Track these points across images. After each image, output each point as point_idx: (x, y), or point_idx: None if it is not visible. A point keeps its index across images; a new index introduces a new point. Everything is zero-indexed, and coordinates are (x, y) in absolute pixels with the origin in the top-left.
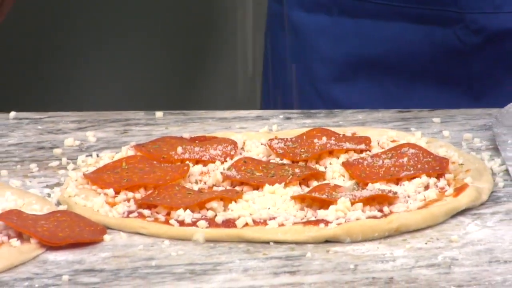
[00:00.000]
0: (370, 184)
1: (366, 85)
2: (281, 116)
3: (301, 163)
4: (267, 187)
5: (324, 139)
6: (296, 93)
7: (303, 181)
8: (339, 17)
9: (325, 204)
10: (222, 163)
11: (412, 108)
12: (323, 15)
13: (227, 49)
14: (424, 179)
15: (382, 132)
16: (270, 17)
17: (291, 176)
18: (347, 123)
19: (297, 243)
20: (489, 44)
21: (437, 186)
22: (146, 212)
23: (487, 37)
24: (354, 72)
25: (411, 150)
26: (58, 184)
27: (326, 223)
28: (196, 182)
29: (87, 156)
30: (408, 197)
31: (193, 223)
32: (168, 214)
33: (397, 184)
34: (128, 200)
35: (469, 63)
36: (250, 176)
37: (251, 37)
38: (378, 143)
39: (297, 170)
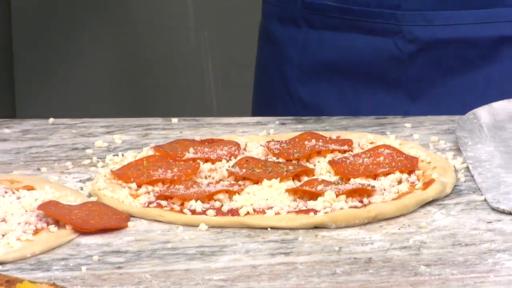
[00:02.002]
0: (352, 179)
1: (327, 87)
2: (277, 122)
3: (294, 162)
4: (265, 181)
5: (313, 141)
6: (273, 95)
7: (296, 177)
8: (306, 28)
9: (314, 196)
10: (228, 161)
11: (363, 106)
12: (294, 27)
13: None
14: (397, 175)
15: (362, 135)
16: (260, 31)
17: (285, 173)
18: (332, 128)
19: (290, 229)
20: (423, 52)
21: (408, 181)
22: (163, 202)
23: (421, 46)
24: (317, 76)
25: (387, 151)
26: (90, 179)
27: (315, 212)
28: (206, 178)
29: (114, 155)
30: (384, 190)
31: (203, 212)
32: (182, 204)
33: (374, 179)
34: (148, 192)
35: (406, 68)
36: (251, 172)
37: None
38: (359, 144)
39: (290, 167)
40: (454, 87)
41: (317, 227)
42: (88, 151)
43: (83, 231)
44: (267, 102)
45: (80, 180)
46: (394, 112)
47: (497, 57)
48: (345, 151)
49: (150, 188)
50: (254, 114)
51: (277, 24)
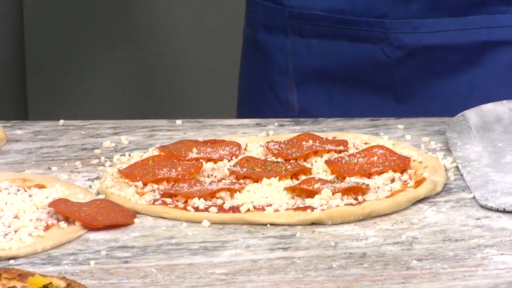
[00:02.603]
0: (347, 178)
1: (315, 91)
2: (276, 124)
3: (292, 161)
4: (265, 180)
5: (311, 141)
6: (260, 99)
7: (294, 176)
8: (293, 37)
9: (311, 193)
10: (229, 161)
11: (351, 110)
12: (281, 36)
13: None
14: (390, 173)
15: (357, 136)
16: (244, 39)
17: (284, 172)
18: (328, 129)
19: (289, 225)
20: (409, 58)
21: (401, 179)
22: (168, 200)
23: (407, 52)
24: (305, 81)
25: (380, 151)
26: (98, 178)
27: (312, 209)
28: (208, 176)
29: (121, 155)
30: (378, 188)
31: (206, 209)
32: (186, 202)
33: (369, 178)
34: (154, 190)
35: (393, 73)
36: (251, 171)
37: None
38: (354, 145)
39: (289, 167)
40: (439, 91)
41: (314, 223)
42: (97, 151)
43: (91, 227)
44: (255, 108)
45: (89, 178)
46: (382, 115)
47: (480, 62)
48: (340, 151)
49: (155, 186)
50: (240, 117)
51: (264, 32)
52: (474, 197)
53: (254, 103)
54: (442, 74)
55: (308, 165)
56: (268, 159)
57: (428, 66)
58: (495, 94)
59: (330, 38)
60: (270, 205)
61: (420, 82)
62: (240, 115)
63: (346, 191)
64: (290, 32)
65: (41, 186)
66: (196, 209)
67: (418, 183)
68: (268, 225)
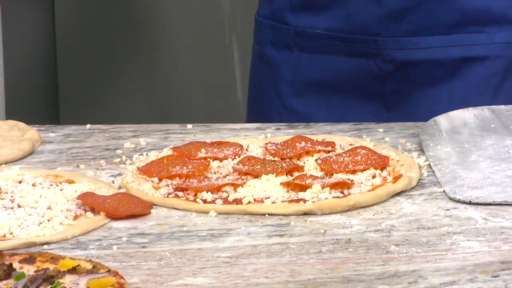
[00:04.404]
0: (334, 174)
1: (316, 99)
2: (273, 128)
3: (287, 160)
4: (264, 176)
5: (303, 143)
6: (268, 106)
7: (289, 172)
8: (298, 52)
9: (303, 188)
10: (233, 160)
11: (347, 115)
12: (287, 51)
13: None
14: (372, 171)
15: (343, 138)
16: (253, 54)
17: (280, 169)
18: (318, 132)
19: (284, 215)
20: (398, 71)
21: (381, 175)
22: (180, 193)
23: (397, 66)
24: (308, 91)
25: (363, 151)
26: (119, 174)
27: (304, 201)
28: (215, 173)
29: (139, 155)
30: (361, 183)
31: (213, 201)
32: (195, 195)
33: (353, 174)
34: (168, 185)
35: (384, 84)
36: (252, 168)
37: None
38: (340, 146)
39: (284, 165)
40: (424, 99)
41: (306, 213)
42: (119, 151)
43: (114, 217)
44: (263, 113)
45: (112, 175)
46: (374, 120)
47: (459, 75)
48: (329, 151)
49: (169, 181)
50: (249, 122)
51: (271, 48)
52: (444, 191)
53: (262, 110)
54: (426, 85)
55: (301, 163)
56: (267, 158)
57: (415, 78)
58: (472, 103)
59: (330, 53)
60: (268, 198)
61: (407, 92)
62: (249, 121)
63: (334, 186)
64: (295, 48)
65: (70, 182)
66: (204, 201)
67: (396, 178)
68: (266, 215)
